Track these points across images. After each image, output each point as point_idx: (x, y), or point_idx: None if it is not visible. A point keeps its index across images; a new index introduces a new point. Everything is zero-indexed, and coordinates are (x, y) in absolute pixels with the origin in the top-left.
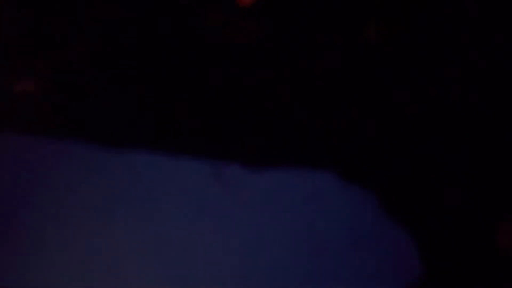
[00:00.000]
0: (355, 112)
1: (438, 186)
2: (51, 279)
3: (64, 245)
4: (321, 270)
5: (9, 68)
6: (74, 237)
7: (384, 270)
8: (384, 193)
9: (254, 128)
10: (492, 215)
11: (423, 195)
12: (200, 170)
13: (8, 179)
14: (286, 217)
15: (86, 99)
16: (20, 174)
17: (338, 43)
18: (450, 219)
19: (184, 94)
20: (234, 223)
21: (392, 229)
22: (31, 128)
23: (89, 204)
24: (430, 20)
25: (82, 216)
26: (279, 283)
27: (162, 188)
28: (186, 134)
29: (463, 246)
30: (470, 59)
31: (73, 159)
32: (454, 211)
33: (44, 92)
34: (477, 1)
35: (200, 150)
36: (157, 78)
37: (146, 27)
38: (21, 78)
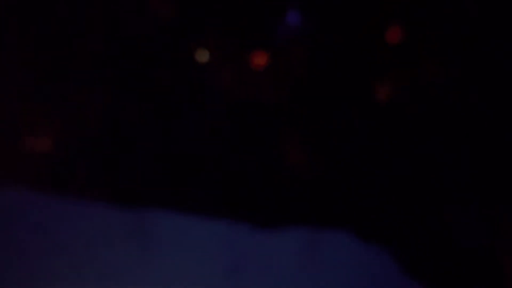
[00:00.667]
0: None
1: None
2: None
3: None
4: None
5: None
6: None
7: None
8: (402, 252)
9: (271, 189)
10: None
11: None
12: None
13: (23, 236)
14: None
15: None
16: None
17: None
18: (470, 280)
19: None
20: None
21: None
22: (44, 185)
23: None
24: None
25: (93, 276)
26: None
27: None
28: (202, 197)
29: None
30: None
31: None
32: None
33: (59, 151)
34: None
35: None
36: (172, 144)
37: (165, 89)
38: (36, 136)
